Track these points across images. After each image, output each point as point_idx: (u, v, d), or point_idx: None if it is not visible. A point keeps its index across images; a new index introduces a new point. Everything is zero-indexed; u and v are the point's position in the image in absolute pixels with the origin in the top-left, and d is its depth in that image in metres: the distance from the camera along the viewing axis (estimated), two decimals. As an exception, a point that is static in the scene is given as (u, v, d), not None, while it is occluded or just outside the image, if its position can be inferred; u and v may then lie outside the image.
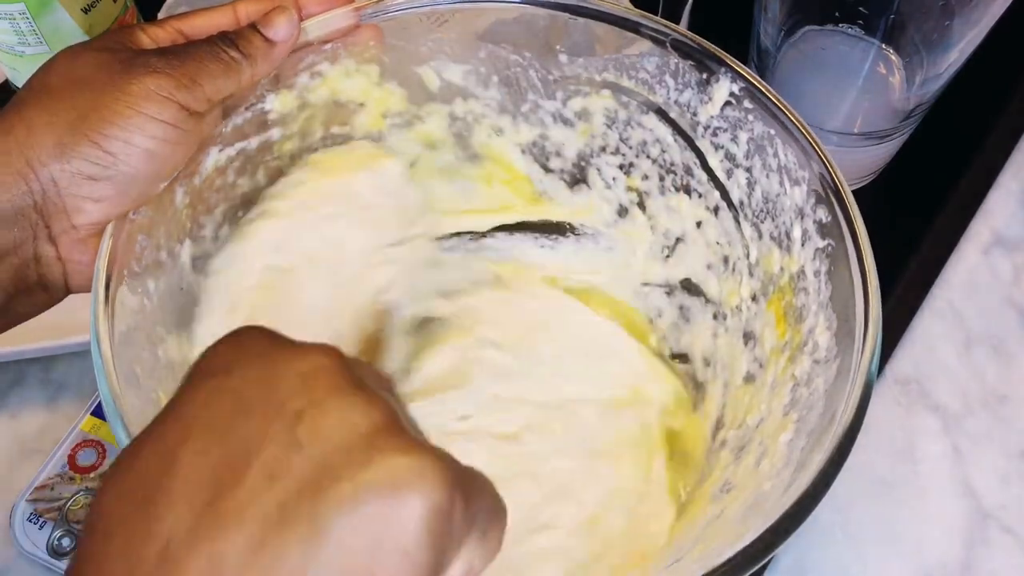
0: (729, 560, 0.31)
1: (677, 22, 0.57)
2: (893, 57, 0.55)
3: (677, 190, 0.48)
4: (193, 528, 0.23)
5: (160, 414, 0.26)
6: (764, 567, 0.47)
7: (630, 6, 0.47)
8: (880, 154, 0.57)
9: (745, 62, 0.45)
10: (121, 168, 0.37)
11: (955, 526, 0.49)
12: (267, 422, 0.24)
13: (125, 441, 0.33)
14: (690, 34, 0.43)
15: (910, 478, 0.50)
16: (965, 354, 0.54)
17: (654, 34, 0.43)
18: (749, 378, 0.44)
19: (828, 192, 0.39)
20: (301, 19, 0.42)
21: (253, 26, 0.41)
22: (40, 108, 0.37)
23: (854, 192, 0.39)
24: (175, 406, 0.26)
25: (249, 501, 0.23)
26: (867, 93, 0.56)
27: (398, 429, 0.25)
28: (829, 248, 0.39)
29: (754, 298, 0.44)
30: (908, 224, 0.57)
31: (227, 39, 0.40)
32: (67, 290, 0.40)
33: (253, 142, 0.44)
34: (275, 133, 0.45)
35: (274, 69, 0.42)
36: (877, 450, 0.51)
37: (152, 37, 0.40)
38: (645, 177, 0.49)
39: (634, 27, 0.44)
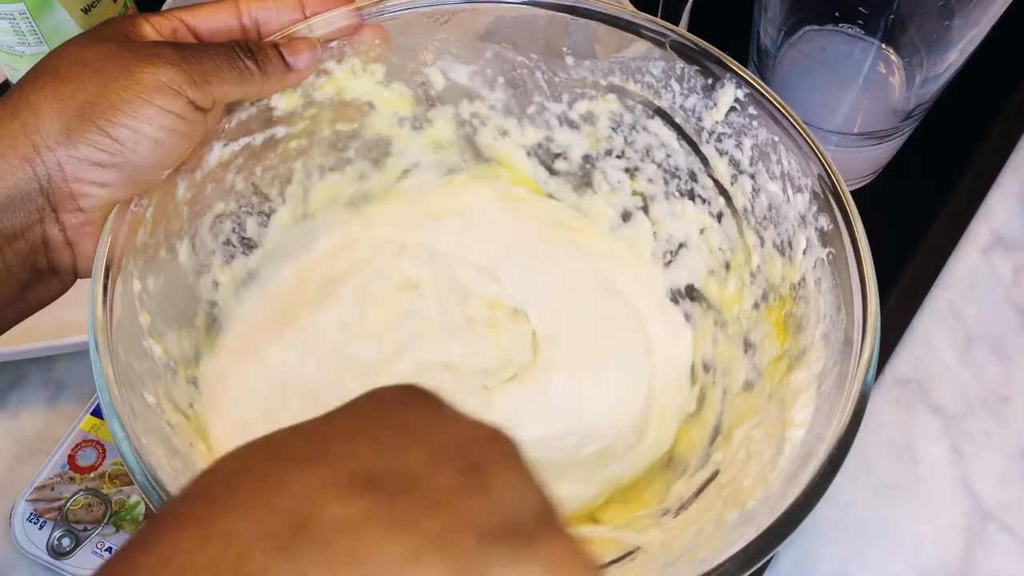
0: (720, 566, 0.31)
1: (677, 22, 0.57)
2: (893, 57, 0.55)
3: (681, 195, 0.48)
4: (343, 516, 0.22)
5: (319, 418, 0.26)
6: (764, 567, 0.47)
7: (630, 6, 0.47)
8: (880, 154, 0.57)
9: (745, 62, 0.45)
10: (128, 156, 0.37)
11: (955, 526, 0.49)
12: (440, 457, 0.24)
13: (120, 434, 0.33)
14: (689, 35, 0.43)
15: (910, 478, 0.50)
16: (965, 354, 0.54)
17: (654, 35, 0.43)
18: (748, 386, 0.44)
19: (830, 200, 0.39)
20: (305, 16, 0.42)
21: (276, 46, 0.41)
22: (47, 92, 0.37)
23: (853, 192, 0.39)
24: (339, 410, 0.26)
25: (410, 512, 0.23)
26: (867, 93, 0.56)
27: (561, 521, 0.25)
28: (830, 256, 0.39)
29: (755, 306, 0.44)
30: (908, 224, 0.57)
31: (246, 48, 0.40)
32: (75, 275, 0.40)
33: (258, 138, 0.44)
34: (280, 131, 0.45)
35: (283, 91, 0.43)
36: (877, 450, 0.51)
37: (156, 27, 0.40)
38: (650, 181, 0.49)
39: (633, 28, 0.44)
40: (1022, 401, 0.53)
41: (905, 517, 0.49)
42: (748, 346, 0.44)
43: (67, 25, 0.53)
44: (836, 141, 0.55)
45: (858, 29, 0.54)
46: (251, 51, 0.40)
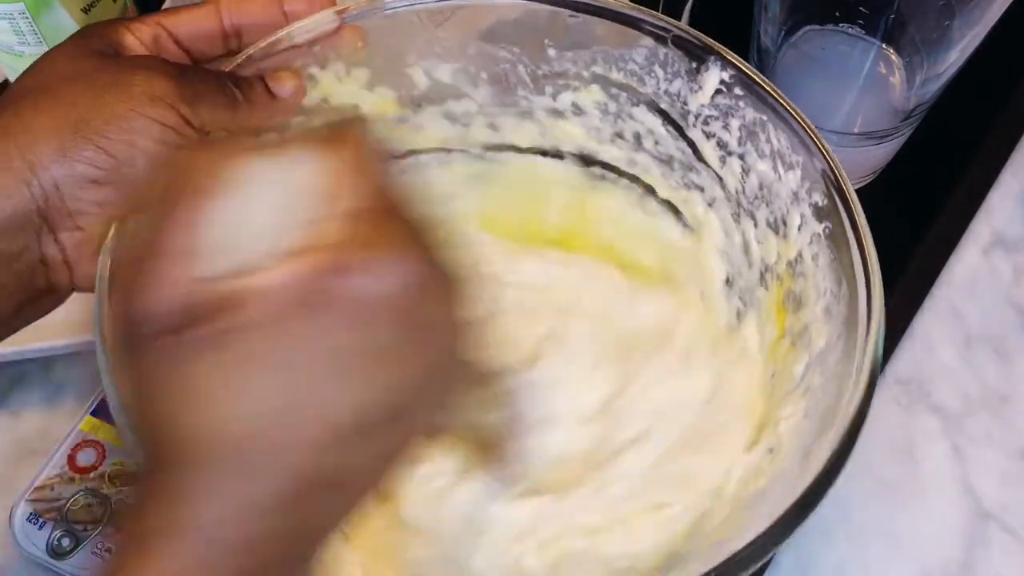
0: (735, 555, 0.31)
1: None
2: (893, 57, 0.55)
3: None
4: None
5: None
6: (764, 566, 0.47)
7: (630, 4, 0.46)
8: (880, 154, 0.57)
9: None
10: (124, 171, 0.36)
11: (955, 526, 0.49)
12: None
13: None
14: (692, 30, 0.43)
15: (910, 478, 0.50)
16: (965, 354, 0.54)
17: (655, 31, 0.43)
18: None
19: (823, 175, 0.39)
20: (287, 23, 0.42)
21: (261, 78, 0.41)
22: (39, 109, 0.36)
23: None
24: None
25: None
26: (867, 93, 0.56)
27: None
28: (826, 231, 0.39)
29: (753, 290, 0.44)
30: (908, 224, 0.57)
31: (233, 77, 0.40)
32: (72, 291, 0.39)
33: None
34: (271, 138, 0.44)
35: (271, 120, 0.42)
36: (877, 450, 0.51)
37: (136, 34, 0.39)
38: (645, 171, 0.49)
39: (635, 23, 0.43)
40: (1022, 401, 0.53)
41: (905, 517, 0.49)
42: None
43: (67, 25, 0.53)
44: (836, 141, 0.55)
45: (858, 29, 0.54)
46: (236, 80, 0.40)
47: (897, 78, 0.55)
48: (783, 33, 0.56)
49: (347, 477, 0.26)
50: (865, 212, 0.38)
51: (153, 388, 0.25)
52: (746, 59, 0.57)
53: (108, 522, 0.47)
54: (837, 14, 0.54)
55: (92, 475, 0.48)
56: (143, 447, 0.26)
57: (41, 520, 0.47)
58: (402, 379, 0.25)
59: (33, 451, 0.50)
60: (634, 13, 0.43)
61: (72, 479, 0.48)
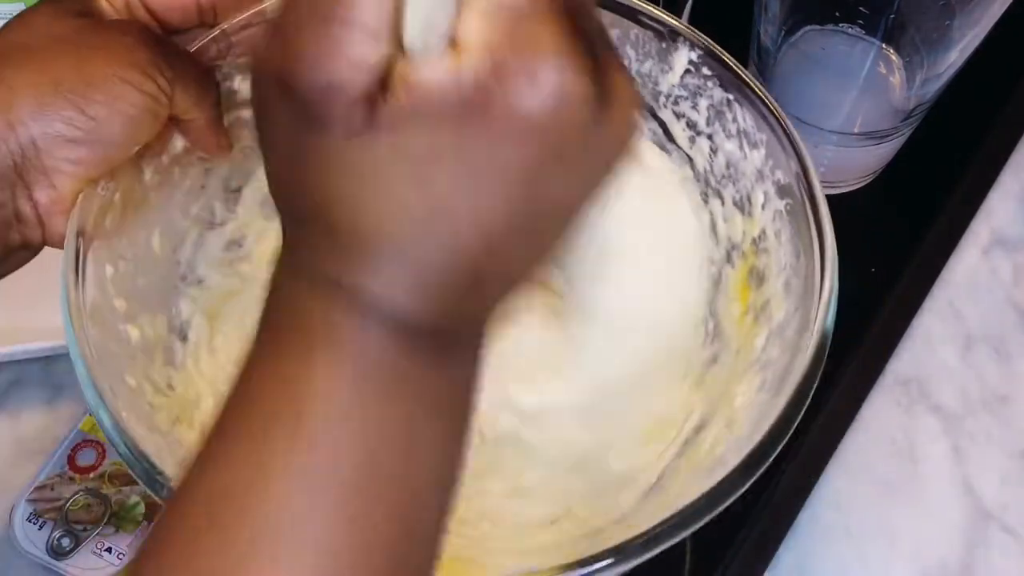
0: (675, 514, 0.31)
1: (677, 22, 0.57)
2: (893, 57, 0.55)
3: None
4: None
5: None
6: (765, 566, 0.47)
7: None
8: (880, 154, 0.57)
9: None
10: (102, 133, 0.36)
11: (955, 526, 0.49)
12: None
13: (106, 422, 0.33)
14: (657, 10, 0.43)
15: (910, 478, 0.50)
16: (965, 354, 0.54)
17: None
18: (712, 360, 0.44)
19: (785, 153, 0.40)
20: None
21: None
22: (19, 67, 0.36)
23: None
24: None
25: None
26: (867, 93, 0.56)
27: None
28: (788, 207, 0.40)
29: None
30: (908, 224, 0.57)
31: (217, 99, 0.41)
32: (42, 246, 0.39)
33: (224, 120, 0.44)
34: (245, 113, 0.44)
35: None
36: (877, 450, 0.51)
37: (111, 1, 0.40)
38: None
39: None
40: (1022, 401, 0.53)
41: (905, 517, 0.49)
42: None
43: (67, 25, 0.53)
44: (836, 141, 0.55)
45: (858, 29, 0.54)
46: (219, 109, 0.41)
47: (897, 78, 0.55)
48: (783, 33, 0.56)
49: (508, 271, 0.26)
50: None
51: (335, 166, 0.24)
52: (746, 59, 0.58)
53: (108, 522, 0.47)
54: (837, 14, 0.54)
55: (92, 475, 0.48)
56: (287, 218, 0.26)
57: (41, 520, 0.47)
58: (565, 191, 0.25)
59: (33, 451, 0.50)
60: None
61: (72, 479, 0.48)
